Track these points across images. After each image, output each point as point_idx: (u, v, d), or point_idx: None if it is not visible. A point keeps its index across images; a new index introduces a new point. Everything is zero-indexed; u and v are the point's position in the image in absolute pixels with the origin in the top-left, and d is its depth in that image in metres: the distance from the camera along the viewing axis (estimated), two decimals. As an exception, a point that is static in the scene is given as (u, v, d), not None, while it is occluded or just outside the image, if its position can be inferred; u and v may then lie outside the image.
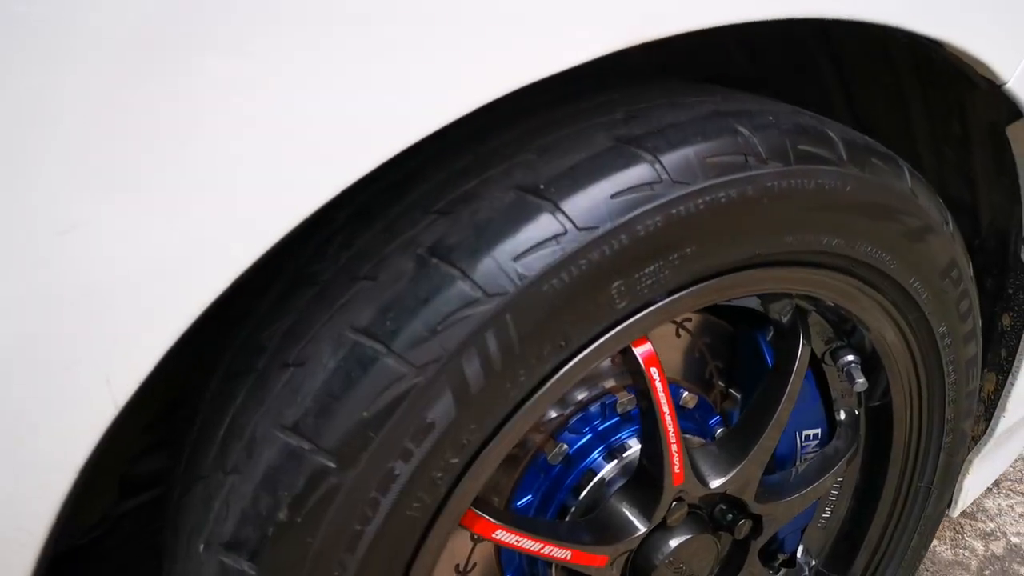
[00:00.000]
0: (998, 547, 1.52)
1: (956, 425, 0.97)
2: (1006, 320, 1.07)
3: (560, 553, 0.74)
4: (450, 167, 0.66)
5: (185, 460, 0.69)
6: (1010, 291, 1.04)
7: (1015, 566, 1.48)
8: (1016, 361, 1.09)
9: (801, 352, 0.83)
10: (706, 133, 0.65)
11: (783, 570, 1.05)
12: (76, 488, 0.50)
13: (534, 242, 0.59)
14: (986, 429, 1.15)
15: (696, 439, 0.88)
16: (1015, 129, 0.85)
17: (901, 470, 0.99)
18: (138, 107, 0.43)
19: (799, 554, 1.06)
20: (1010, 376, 1.10)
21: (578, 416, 0.86)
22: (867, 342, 0.89)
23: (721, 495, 0.86)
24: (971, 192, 1.06)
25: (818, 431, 0.96)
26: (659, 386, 0.74)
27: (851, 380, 0.89)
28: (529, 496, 0.86)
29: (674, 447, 0.76)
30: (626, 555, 0.80)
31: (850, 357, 0.91)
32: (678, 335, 0.91)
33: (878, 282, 0.80)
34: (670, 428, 0.75)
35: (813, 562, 1.06)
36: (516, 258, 0.58)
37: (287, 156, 0.48)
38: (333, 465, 0.57)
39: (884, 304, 0.82)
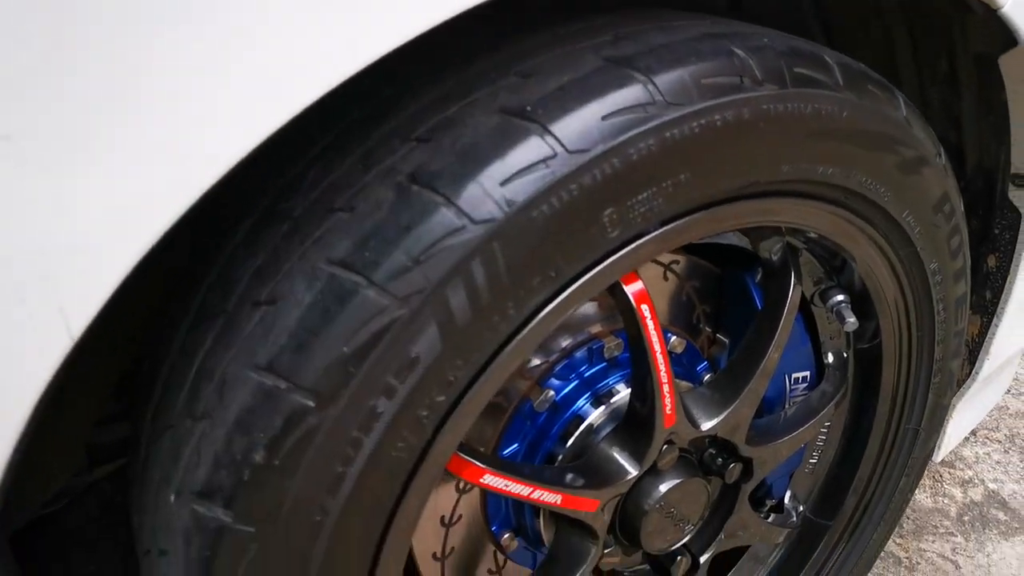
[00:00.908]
0: (976, 494, 1.54)
1: (944, 365, 0.96)
2: (991, 261, 1.06)
3: (550, 498, 0.72)
4: (431, 94, 0.62)
5: (151, 411, 0.65)
6: (996, 231, 1.03)
7: (993, 511, 1.50)
8: (1001, 303, 1.08)
9: (792, 291, 0.81)
10: (700, 54, 0.61)
11: (772, 516, 1.04)
12: (31, 425, 0.46)
13: (522, 166, 0.55)
14: (970, 372, 1.15)
15: (685, 384, 0.86)
16: (1008, 59, 0.83)
17: (889, 412, 0.98)
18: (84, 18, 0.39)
19: (787, 499, 1.05)
20: (995, 318, 1.09)
21: (564, 362, 0.84)
22: (857, 281, 0.87)
23: (712, 439, 0.84)
24: (957, 133, 1.04)
25: (807, 374, 0.95)
26: (650, 324, 0.71)
27: (841, 320, 0.88)
28: (516, 445, 0.84)
29: (666, 387, 0.74)
30: (617, 500, 0.78)
31: (840, 297, 0.89)
32: (665, 278, 0.88)
33: (872, 215, 0.77)
34: (662, 368, 0.73)
35: (801, 507, 1.05)
36: (503, 183, 0.55)
37: (243, 70, 0.44)
38: (312, 404, 0.53)
39: (877, 239, 0.80)
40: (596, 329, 0.85)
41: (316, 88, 0.47)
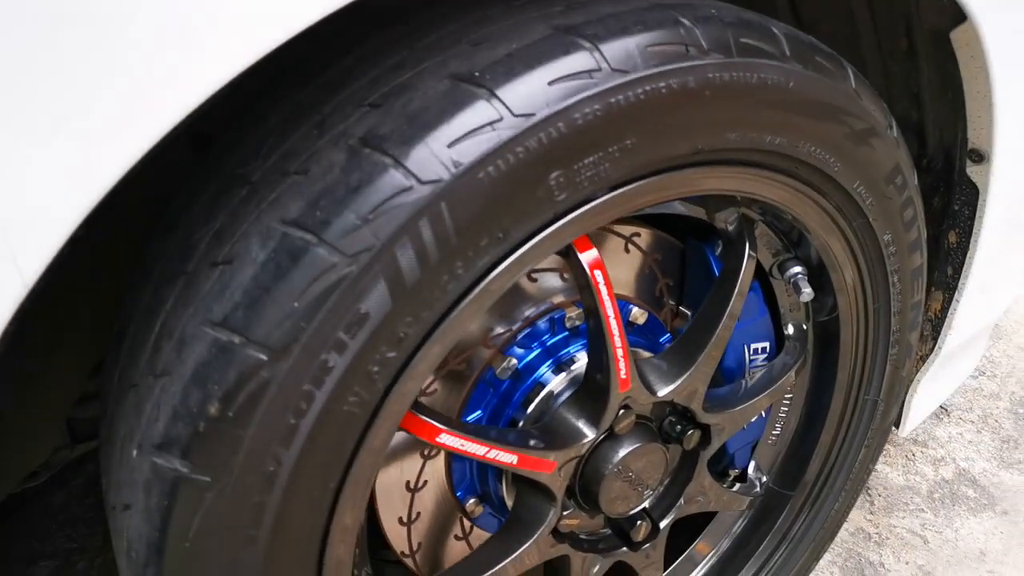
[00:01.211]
0: (947, 472, 1.57)
1: (902, 336, 0.99)
2: (952, 237, 1.09)
3: (507, 458, 0.74)
4: (384, 63, 0.64)
5: (118, 372, 0.67)
6: (956, 207, 1.05)
7: (963, 488, 1.53)
8: (962, 278, 1.10)
9: (747, 259, 0.83)
10: (646, 23, 0.63)
11: (736, 485, 1.06)
12: None
13: (469, 128, 0.57)
14: (933, 347, 1.18)
15: (643, 352, 0.88)
16: (959, 34, 0.85)
17: (848, 383, 1.00)
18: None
19: (751, 470, 1.07)
20: (956, 293, 1.11)
21: (526, 331, 0.86)
22: (814, 253, 0.89)
23: (670, 405, 0.87)
24: (918, 110, 1.06)
25: (766, 344, 0.97)
26: (603, 290, 0.74)
27: (798, 291, 0.90)
28: (479, 412, 0.86)
29: (619, 351, 0.76)
30: (575, 462, 0.80)
31: (797, 269, 0.91)
32: (627, 250, 0.90)
33: (822, 185, 0.79)
34: (615, 332, 0.75)
35: (764, 478, 1.07)
36: (450, 144, 0.57)
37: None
38: (264, 357, 0.55)
39: (829, 210, 0.82)
40: (558, 299, 0.87)
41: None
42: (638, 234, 0.90)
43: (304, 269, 0.55)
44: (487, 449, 0.73)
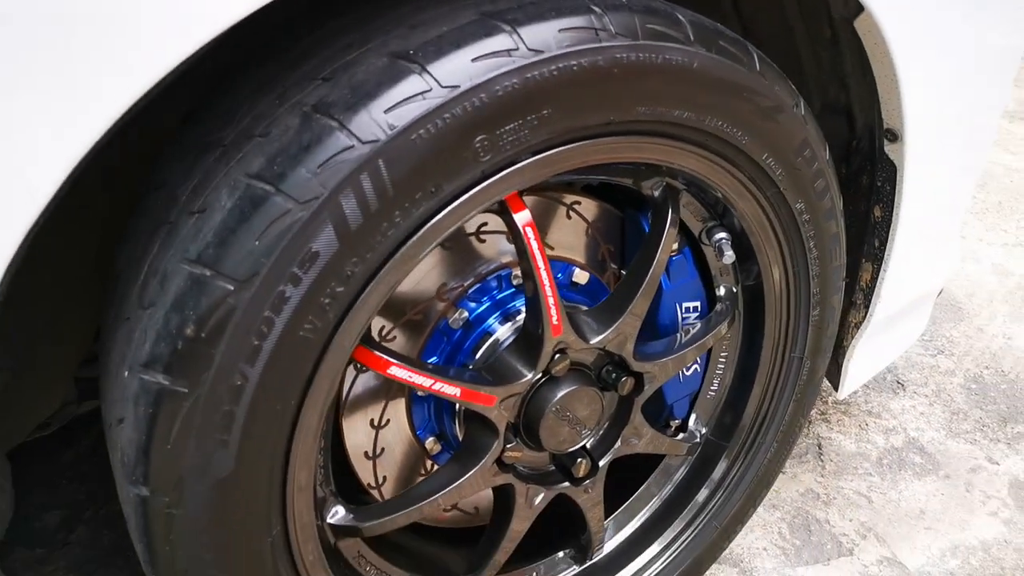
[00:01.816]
0: (897, 440, 1.66)
1: (823, 299, 1.09)
2: (877, 212, 1.19)
3: (450, 390, 0.85)
4: (336, 44, 0.75)
5: (114, 311, 0.78)
6: (879, 184, 1.16)
7: (911, 455, 1.62)
8: (887, 250, 1.20)
9: (669, 223, 0.93)
10: (560, 10, 0.74)
11: (680, 435, 1.16)
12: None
13: (402, 97, 0.68)
14: (865, 315, 1.28)
15: (579, 306, 0.99)
16: (861, 23, 0.95)
17: (774, 342, 1.10)
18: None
19: (691, 422, 1.17)
20: (883, 264, 1.22)
21: (477, 287, 0.97)
22: (736, 220, 1.00)
23: (605, 355, 0.97)
24: (846, 94, 1.16)
25: (697, 304, 1.07)
26: (535, 245, 0.84)
27: (721, 254, 1.00)
28: (434, 358, 0.97)
29: (551, 300, 0.87)
30: (516, 399, 0.91)
31: (721, 234, 1.01)
32: (568, 216, 1.01)
33: (733, 157, 0.90)
34: (546, 283, 0.86)
35: (703, 430, 1.18)
36: (387, 111, 0.68)
37: None
38: (231, 287, 0.66)
39: (742, 179, 0.93)
40: (506, 259, 0.98)
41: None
42: (579, 202, 1.01)
43: (263, 214, 0.66)
44: (432, 381, 0.84)
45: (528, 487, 0.99)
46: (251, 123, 0.72)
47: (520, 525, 1.00)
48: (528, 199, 0.96)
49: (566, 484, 1.02)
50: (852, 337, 1.29)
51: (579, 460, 1.01)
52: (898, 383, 1.83)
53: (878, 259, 1.21)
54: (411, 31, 0.72)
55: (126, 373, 0.72)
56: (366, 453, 0.98)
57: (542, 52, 0.72)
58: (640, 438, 1.06)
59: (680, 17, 0.81)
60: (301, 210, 0.66)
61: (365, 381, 0.94)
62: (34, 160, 0.57)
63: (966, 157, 1.22)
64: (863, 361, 1.33)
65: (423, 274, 0.93)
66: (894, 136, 1.08)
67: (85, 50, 0.56)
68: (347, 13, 0.76)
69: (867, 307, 1.26)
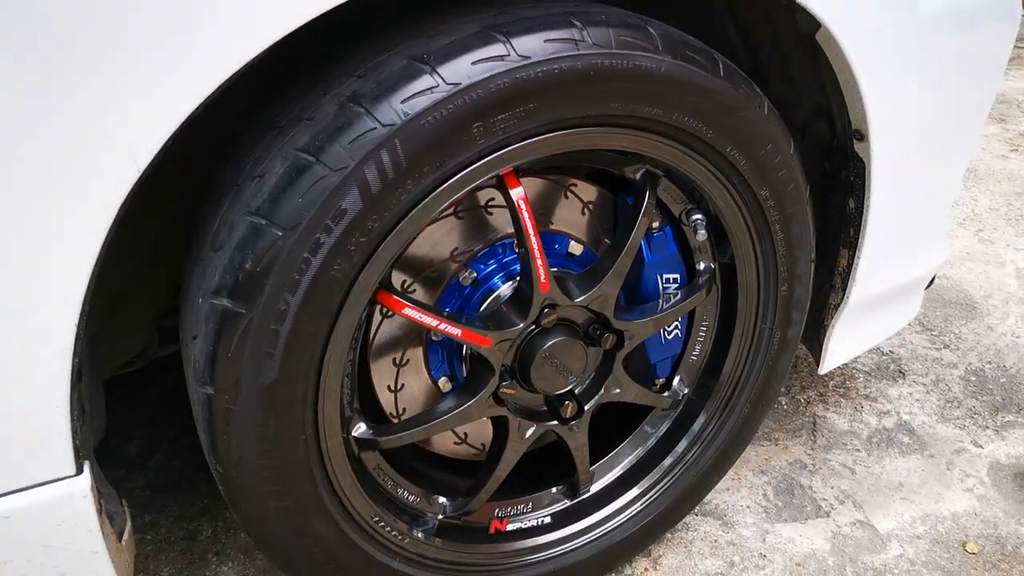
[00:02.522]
0: (889, 422, 1.78)
1: (790, 276, 1.24)
2: (851, 204, 1.33)
3: (452, 331, 1.04)
4: (372, 47, 0.95)
5: (193, 258, 1.00)
6: (852, 179, 1.30)
7: (900, 436, 1.74)
8: (860, 238, 1.34)
9: (646, 203, 1.11)
10: (547, 24, 0.92)
11: (665, 392, 1.33)
12: (109, 240, 0.80)
13: (415, 91, 0.87)
14: (843, 298, 1.41)
15: (572, 272, 1.17)
16: (821, 36, 1.10)
17: (747, 314, 1.26)
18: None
19: (675, 382, 1.34)
20: (857, 251, 1.35)
21: (485, 251, 1.16)
22: (711, 204, 1.16)
23: (589, 312, 1.15)
24: (827, 100, 1.30)
25: (677, 276, 1.24)
26: (526, 215, 1.03)
27: (695, 232, 1.17)
28: (448, 309, 1.16)
29: (538, 260, 1.05)
30: (509, 344, 1.10)
31: (697, 216, 1.18)
32: (566, 196, 1.19)
33: (700, 148, 1.06)
34: (535, 247, 1.04)
35: (686, 389, 1.34)
36: (403, 101, 0.87)
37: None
38: (280, 233, 0.87)
39: (710, 168, 1.09)
40: (510, 229, 1.16)
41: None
42: (575, 185, 1.19)
43: (306, 178, 0.87)
44: (438, 322, 1.03)
45: (520, 421, 1.17)
46: (300, 110, 0.92)
47: (512, 455, 1.19)
48: (532, 181, 1.15)
49: (554, 422, 1.20)
50: (831, 318, 1.43)
51: (567, 402, 1.19)
52: (900, 372, 1.94)
53: (853, 246, 1.35)
54: (428, 40, 0.91)
55: (200, 300, 0.94)
56: (389, 387, 1.18)
57: (529, 58, 0.90)
58: (621, 388, 1.23)
59: (651, 30, 0.98)
60: (334, 176, 0.86)
61: (389, 326, 1.14)
62: (137, 130, 0.78)
63: (938, 156, 1.35)
64: (844, 341, 1.47)
65: (440, 239, 1.12)
66: (861, 136, 1.23)
67: (188, 39, 0.77)
68: (386, 26, 0.96)
69: (844, 290, 1.40)
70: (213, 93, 0.79)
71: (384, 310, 1.11)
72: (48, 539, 0.92)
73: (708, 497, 1.55)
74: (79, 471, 0.91)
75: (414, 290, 1.13)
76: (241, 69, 0.79)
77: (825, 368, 1.48)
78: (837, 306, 1.42)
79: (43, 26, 0.70)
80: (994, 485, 1.60)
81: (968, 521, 1.52)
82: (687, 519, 1.50)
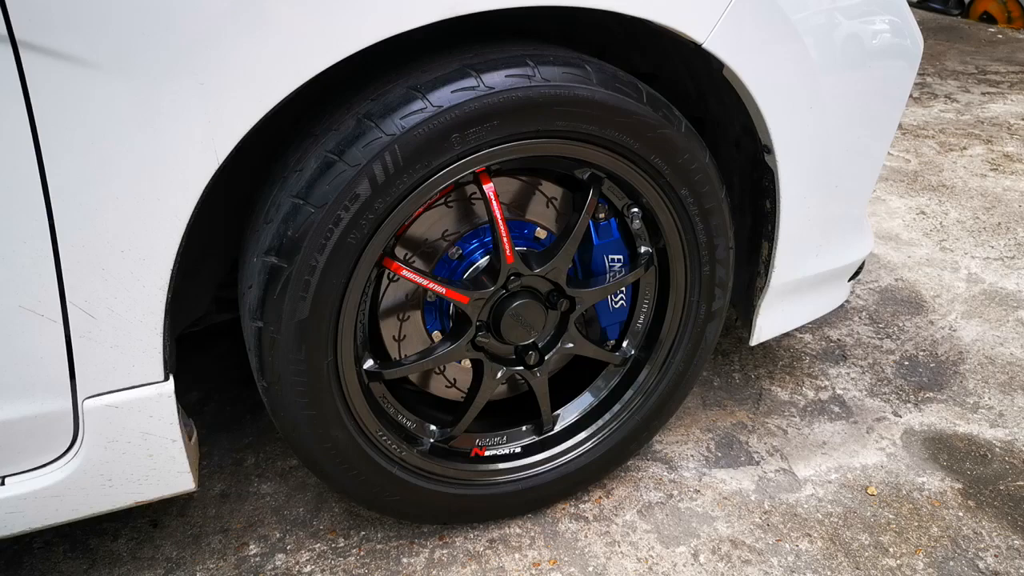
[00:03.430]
0: (824, 395, 2.09)
1: (711, 260, 1.56)
2: (768, 204, 1.65)
3: (439, 288, 1.40)
4: (384, 79, 1.31)
5: (249, 232, 1.37)
6: (766, 184, 1.62)
7: (832, 406, 2.04)
8: (776, 232, 1.66)
9: (590, 197, 1.45)
10: (508, 64, 1.28)
11: (617, 351, 1.66)
12: (195, 216, 1.17)
13: (411, 111, 1.23)
14: (766, 282, 1.74)
15: (535, 251, 1.52)
16: (727, 72, 1.44)
17: (677, 288, 1.59)
18: None
19: (624, 343, 1.67)
20: (774, 243, 1.68)
21: (469, 233, 1.51)
22: (644, 201, 1.50)
23: (547, 282, 1.49)
24: (751, 122, 1.63)
25: (620, 257, 1.57)
26: (495, 205, 1.38)
27: (631, 222, 1.51)
28: (439, 276, 1.51)
29: (504, 239, 1.40)
30: (483, 302, 1.45)
31: (635, 209, 1.52)
32: (535, 194, 1.54)
33: (630, 156, 1.40)
34: (502, 227, 1.39)
35: (633, 351, 1.67)
36: (402, 118, 1.23)
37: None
38: (312, 210, 1.23)
39: (639, 172, 1.43)
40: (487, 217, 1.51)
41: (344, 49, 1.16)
42: (542, 184, 1.53)
43: (332, 172, 1.23)
44: (427, 281, 1.38)
45: (493, 365, 1.52)
46: (331, 123, 1.29)
47: (486, 392, 1.53)
48: (509, 181, 1.50)
49: (520, 368, 1.55)
50: (758, 299, 1.76)
51: (530, 352, 1.53)
52: (843, 356, 2.24)
53: (771, 239, 1.68)
54: (422, 73, 1.27)
55: (255, 259, 1.30)
56: (394, 337, 1.53)
57: (493, 88, 1.26)
58: (574, 343, 1.57)
59: (588, 68, 1.33)
60: (351, 170, 1.22)
61: (395, 291, 1.49)
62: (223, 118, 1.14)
63: (840, 169, 1.66)
64: (770, 319, 1.78)
65: (434, 222, 1.47)
66: (768, 150, 1.55)
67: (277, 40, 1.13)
68: (395, 64, 1.33)
69: (766, 276, 1.72)
70: (287, 96, 1.14)
71: (391, 275, 1.46)
72: (143, 427, 1.29)
73: (659, 448, 1.87)
74: (166, 378, 1.28)
75: (414, 261, 1.49)
76: (302, 85, 1.15)
77: (754, 340, 1.80)
78: (762, 288, 1.75)
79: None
80: (904, 446, 1.90)
81: (874, 472, 1.82)
82: (639, 463, 1.82)
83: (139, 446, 1.30)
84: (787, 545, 1.61)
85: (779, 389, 2.11)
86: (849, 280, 1.96)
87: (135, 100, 1.06)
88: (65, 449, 1.28)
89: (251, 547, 1.62)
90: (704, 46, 1.37)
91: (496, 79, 1.26)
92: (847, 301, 2.53)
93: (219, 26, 1.07)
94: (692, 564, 1.57)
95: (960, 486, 1.77)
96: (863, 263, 1.99)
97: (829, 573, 1.54)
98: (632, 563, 1.57)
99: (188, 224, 1.18)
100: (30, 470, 1.27)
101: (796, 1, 1.43)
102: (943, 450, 1.88)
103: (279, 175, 1.32)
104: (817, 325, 2.39)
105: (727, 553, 1.59)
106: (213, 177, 1.17)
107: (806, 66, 1.49)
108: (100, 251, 1.14)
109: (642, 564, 1.57)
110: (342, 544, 1.62)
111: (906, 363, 2.22)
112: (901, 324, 2.40)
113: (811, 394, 2.09)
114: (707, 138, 1.70)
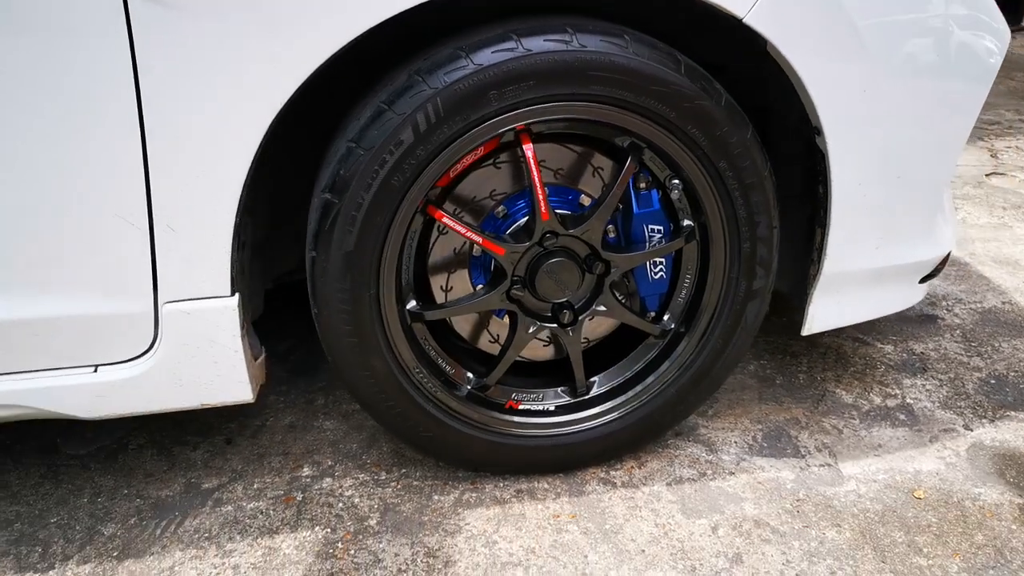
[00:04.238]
0: (892, 403, 2.00)
1: (751, 236, 1.58)
2: (820, 189, 1.65)
3: (476, 237, 1.51)
4: (437, 45, 1.45)
5: (318, 177, 1.55)
6: (818, 168, 1.62)
7: (897, 414, 1.96)
8: (829, 217, 1.65)
9: (628, 163, 1.52)
10: (547, 31, 1.38)
11: (658, 324, 1.71)
12: (261, 152, 1.35)
13: (454, 68, 1.36)
14: (818, 269, 1.72)
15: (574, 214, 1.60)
16: (771, 49, 1.47)
17: (717, 264, 1.62)
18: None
19: (665, 317, 1.71)
20: (827, 229, 1.67)
21: (515, 194, 1.62)
22: (684, 173, 1.55)
23: (584, 244, 1.57)
24: (801, 103, 1.64)
25: (660, 228, 1.62)
26: (533, 165, 1.48)
27: (671, 194, 1.56)
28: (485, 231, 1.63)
29: (541, 197, 1.49)
30: (519, 255, 1.55)
31: (676, 181, 1.57)
32: (583, 163, 1.62)
33: (667, 125, 1.46)
34: (538, 187, 1.49)
35: (674, 324, 1.71)
36: (446, 74, 1.36)
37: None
38: (362, 153, 1.38)
39: (677, 142, 1.49)
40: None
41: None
42: (591, 155, 1.62)
43: (382, 120, 1.38)
44: (465, 229, 1.50)
45: (526, 319, 1.61)
46: (389, 79, 1.45)
47: (520, 344, 1.63)
48: (557, 149, 1.59)
49: (554, 325, 1.63)
50: (810, 287, 1.74)
51: (565, 311, 1.61)
52: (923, 368, 2.15)
53: (823, 225, 1.67)
54: (471, 37, 1.40)
55: (315, 199, 1.48)
56: (441, 287, 1.66)
57: (531, 51, 1.37)
58: (608, 307, 1.64)
59: (625, 36, 1.41)
60: (398, 118, 1.37)
61: (443, 244, 1.62)
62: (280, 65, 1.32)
63: (901, 158, 1.63)
64: (824, 309, 1.76)
65: (483, 181, 1.59)
66: (818, 131, 1.56)
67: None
68: (448, 31, 1.47)
69: (819, 263, 1.71)
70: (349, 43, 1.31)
71: (440, 227, 1.59)
72: (210, 335, 1.49)
73: (704, 432, 1.88)
74: (232, 294, 1.48)
75: (463, 216, 1.61)
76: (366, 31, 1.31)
77: (805, 330, 1.78)
78: (815, 276, 1.73)
79: (240, 16, 1.27)
80: (968, 458, 1.80)
81: (927, 478, 1.74)
82: (679, 442, 1.84)
83: (206, 352, 1.50)
84: (813, 532, 1.58)
85: (844, 392, 2.05)
86: (922, 282, 1.89)
87: (213, 41, 1.26)
88: (147, 347, 1.49)
89: (304, 469, 1.79)
90: (745, 20, 1.42)
91: (535, 43, 1.37)
92: (940, 317, 2.41)
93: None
94: (709, 535, 1.58)
95: (1021, 502, 1.66)
96: (940, 266, 1.91)
97: (852, 563, 1.50)
98: (649, 526, 1.60)
99: (255, 156, 1.36)
100: (118, 363, 1.50)
101: (845, -21, 1.44)
102: (1012, 466, 1.77)
103: (343, 128, 1.49)
104: (902, 337, 2.30)
105: (748, 531, 1.59)
106: (278, 116, 1.35)
107: (856, 45, 1.49)
108: (182, 173, 1.34)
109: (659, 529, 1.59)
110: (383, 477, 1.76)
111: (992, 381, 2.09)
112: (997, 344, 2.25)
113: (877, 400, 2.02)
114: (771, 128, 1.73)
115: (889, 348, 2.25)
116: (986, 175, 3.79)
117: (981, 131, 4.51)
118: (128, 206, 1.36)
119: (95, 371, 1.49)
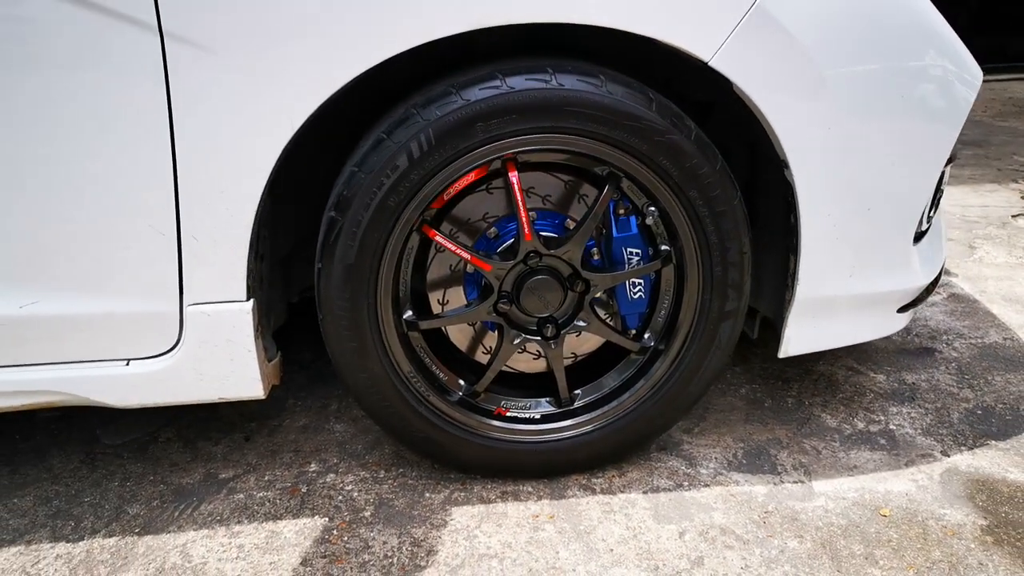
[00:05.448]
0: (875, 428, 2.07)
1: (723, 260, 1.70)
2: (791, 218, 1.76)
3: (465, 255, 1.67)
4: (434, 83, 1.63)
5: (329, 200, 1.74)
6: (788, 199, 1.74)
7: (878, 438, 2.03)
8: (799, 244, 1.76)
9: (605, 191, 1.67)
10: (530, 71, 1.55)
11: (638, 341, 1.83)
12: (274, 175, 1.54)
13: (447, 103, 1.54)
14: (792, 295, 1.82)
15: (556, 235, 1.75)
16: (736, 89, 1.60)
17: (692, 286, 1.74)
18: None
19: (646, 335, 1.84)
20: (798, 255, 1.78)
21: (504, 217, 1.78)
22: (660, 202, 1.69)
23: (565, 264, 1.72)
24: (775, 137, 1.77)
25: (639, 251, 1.76)
26: (518, 191, 1.64)
27: (647, 219, 1.70)
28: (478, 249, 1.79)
29: (524, 220, 1.65)
30: (504, 272, 1.70)
31: (652, 208, 1.71)
32: (568, 190, 1.78)
33: (639, 156, 1.61)
34: (522, 211, 1.64)
35: (654, 342, 1.83)
36: (438, 108, 1.54)
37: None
38: (363, 176, 1.57)
39: (651, 171, 1.63)
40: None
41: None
42: (573, 181, 1.77)
43: (381, 148, 1.56)
44: (456, 247, 1.67)
45: (511, 331, 1.76)
46: (390, 113, 1.63)
47: (505, 355, 1.77)
48: (544, 177, 1.75)
49: (538, 338, 1.77)
50: (786, 311, 1.85)
51: (548, 325, 1.76)
52: (911, 397, 2.21)
53: (795, 252, 1.78)
54: (464, 79, 1.58)
55: (324, 217, 1.66)
56: (438, 300, 1.82)
57: (514, 88, 1.54)
58: (588, 323, 1.77)
59: (600, 75, 1.57)
60: (395, 147, 1.55)
61: (440, 261, 1.79)
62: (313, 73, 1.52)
63: (870, 192, 1.73)
64: (799, 333, 1.86)
65: (476, 205, 1.76)
66: (785, 164, 1.68)
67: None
68: (451, 72, 1.65)
69: (792, 288, 1.81)
70: (360, 75, 1.50)
71: (437, 247, 1.76)
72: (227, 335, 1.67)
73: (687, 447, 1.99)
74: (248, 299, 1.66)
75: (458, 236, 1.78)
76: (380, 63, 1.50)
77: (782, 353, 1.88)
78: (790, 300, 1.83)
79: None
80: (940, 482, 1.86)
81: (897, 498, 1.80)
82: (661, 455, 1.95)
83: (224, 350, 1.68)
84: (776, 541, 1.67)
85: (829, 416, 2.13)
86: (901, 311, 1.98)
87: (235, 83, 1.47)
88: (173, 344, 1.69)
89: (312, 465, 1.95)
90: (710, 64, 1.56)
91: (517, 81, 1.54)
92: (938, 350, 2.46)
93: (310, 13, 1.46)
94: (675, 539, 1.68)
95: (985, 523, 1.71)
96: (922, 296, 1.99)
97: (808, 570, 1.59)
98: (620, 529, 1.71)
99: (268, 179, 1.55)
100: (148, 357, 1.70)
101: (806, 23, 1.57)
102: (983, 491, 1.82)
103: (353, 153, 1.68)
104: (896, 368, 2.36)
105: (713, 537, 1.68)
106: (287, 146, 1.54)
107: (818, 86, 1.62)
108: (204, 191, 1.55)
109: (629, 531, 1.70)
110: (382, 475, 1.91)
111: (979, 412, 2.14)
112: (990, 378, 2.30)
113: (861, 425, 2.09)
114: (758, 161, 1.86)
115: (881, 377, 2.32)
116: (1012, 216, 3.80)
117: (1014, 173, 4.52)
118: (160, 218, 1.56)
119: (127, 364, 1.69)
